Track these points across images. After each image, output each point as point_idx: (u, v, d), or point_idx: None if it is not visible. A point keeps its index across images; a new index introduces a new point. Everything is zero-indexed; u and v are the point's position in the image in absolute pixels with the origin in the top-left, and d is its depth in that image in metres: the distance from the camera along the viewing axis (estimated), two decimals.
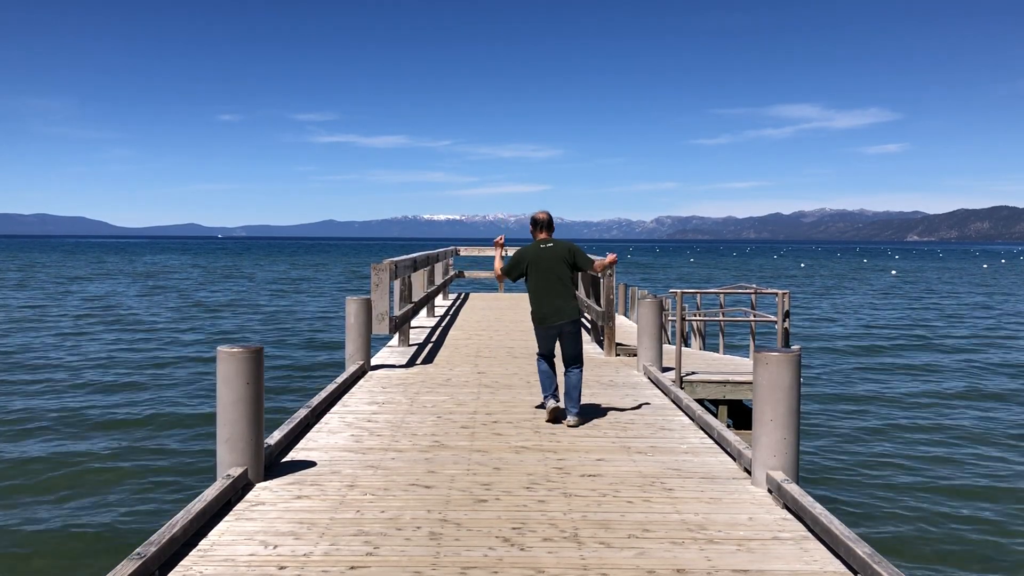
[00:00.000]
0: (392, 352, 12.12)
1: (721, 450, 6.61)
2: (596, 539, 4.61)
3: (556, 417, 7.57)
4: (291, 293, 42.97)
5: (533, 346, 11.13)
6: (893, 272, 76.28)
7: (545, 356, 7.76)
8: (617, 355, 11.96)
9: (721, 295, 14.64)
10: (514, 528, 4.78)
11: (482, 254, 25.63)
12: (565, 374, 7.68)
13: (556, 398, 7.66)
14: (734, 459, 6.30)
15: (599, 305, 12.44)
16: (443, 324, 16.10)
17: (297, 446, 6.68)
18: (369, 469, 6.02)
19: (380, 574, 4.13)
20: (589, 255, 7.75)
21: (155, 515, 8.39)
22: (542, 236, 7.73)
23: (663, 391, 9.09)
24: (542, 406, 7.88)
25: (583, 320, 16.45)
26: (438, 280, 19.26)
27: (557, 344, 7.74)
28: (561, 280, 7.51)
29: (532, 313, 7.68)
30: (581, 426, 7.49)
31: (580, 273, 7.86)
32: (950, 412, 14.25)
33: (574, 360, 7.64)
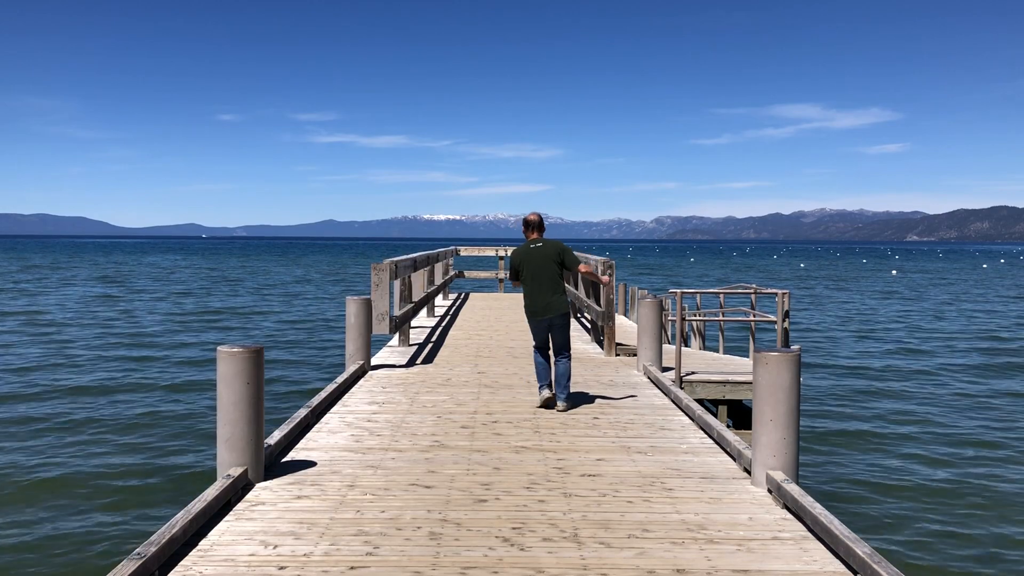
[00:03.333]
0: (392, 352, 12.13)
1: (721, 450, 6.62)
2: (596, 539, 4.62)
3: (547, 404, 8.25)
4: (290, 293, 42.96)
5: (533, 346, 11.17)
6: (893, 272, 76.31)
7: (540, 348, 8.44)
8: (617, 355, 11.96)
9: (721, 295, 14.64)
10: (514, 528, 4.78)
11: (482, 254, 25.67)
12: (555, 363, 8.39)
13: (551, 388, 8.34)
14: (734, 459, 6.30)
15: (599, 305, 12.43)
16: (443, 324, 16.10)
17: (297, 446, 6.69)
18: (369, 469, 6.03)
19: (380, 574, 4.13)
20: (576, 254, 8.53)
21: (155, 515, 8.39)
22: (533, 236, 8.41)
23: (663, 391, 9.09)
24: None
25: (584, 320, 16.44)
26: (438, 280, 19.27)
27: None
28: (551, 277, 8.21)
29: (525, 307, 8.40)
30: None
31: (578, 272, 8.40)
32: (951, 411, 14.25)
33: (562, 349, 8.34)
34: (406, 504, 5.22)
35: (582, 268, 8.37)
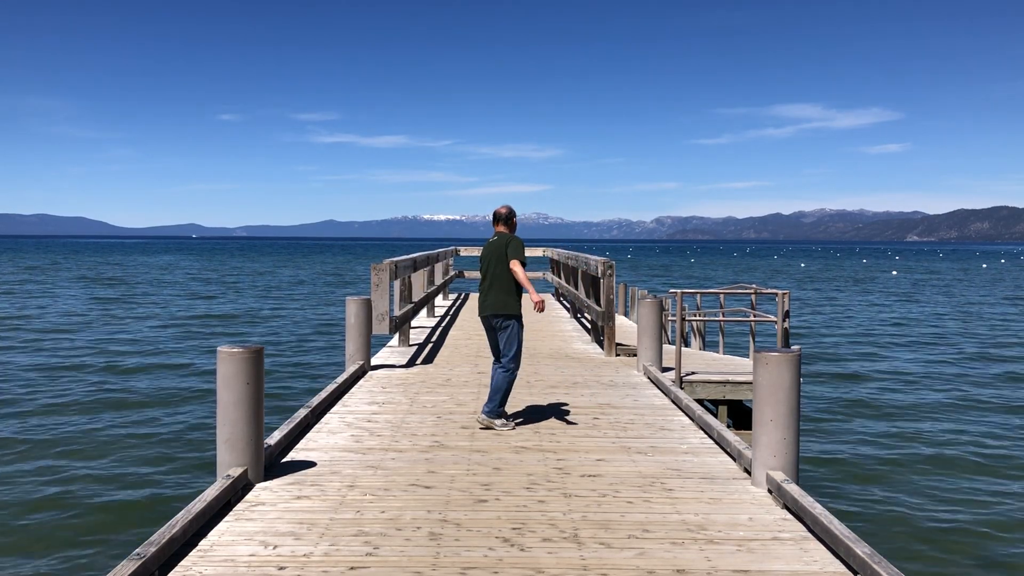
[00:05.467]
0: (392, 352, 12.12)
1: (721, 450, 6.61)
2: (596, 539, 4.61)
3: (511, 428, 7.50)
4: (290, 294, 42.96)
5: (534, 346, 11.15)
6: (893, 272, 76.30)
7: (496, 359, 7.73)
8: (617, 355, 11.96)
9: (721, 295, 14.62)
10: (514, 528, 4.78)
11: None
12: (492, 369, 7.67)
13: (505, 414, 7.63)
14: (734, 459, 6.30)
15: (599, 305, 12.43)
16: (443, 324, 16.10)
17: (297, 446, 6.68)
18: (369, 469, 6.02)
19: (380, 574, 4.13)
20: (522, 252, 7.48)
21: (155, 515, 8.39)
22: (498, 229, 7.86)
23: (663, 391, 9.09)
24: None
25: (584, 320, 16.41)
26: (438, 280, 19.26)
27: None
28: (497, 273, 7.51)
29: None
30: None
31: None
32: (950, 412, 14.25)
33: (503, 355, 7.56)
34: (406, 504, 5.22)
35: (513, 265, 7.40)
